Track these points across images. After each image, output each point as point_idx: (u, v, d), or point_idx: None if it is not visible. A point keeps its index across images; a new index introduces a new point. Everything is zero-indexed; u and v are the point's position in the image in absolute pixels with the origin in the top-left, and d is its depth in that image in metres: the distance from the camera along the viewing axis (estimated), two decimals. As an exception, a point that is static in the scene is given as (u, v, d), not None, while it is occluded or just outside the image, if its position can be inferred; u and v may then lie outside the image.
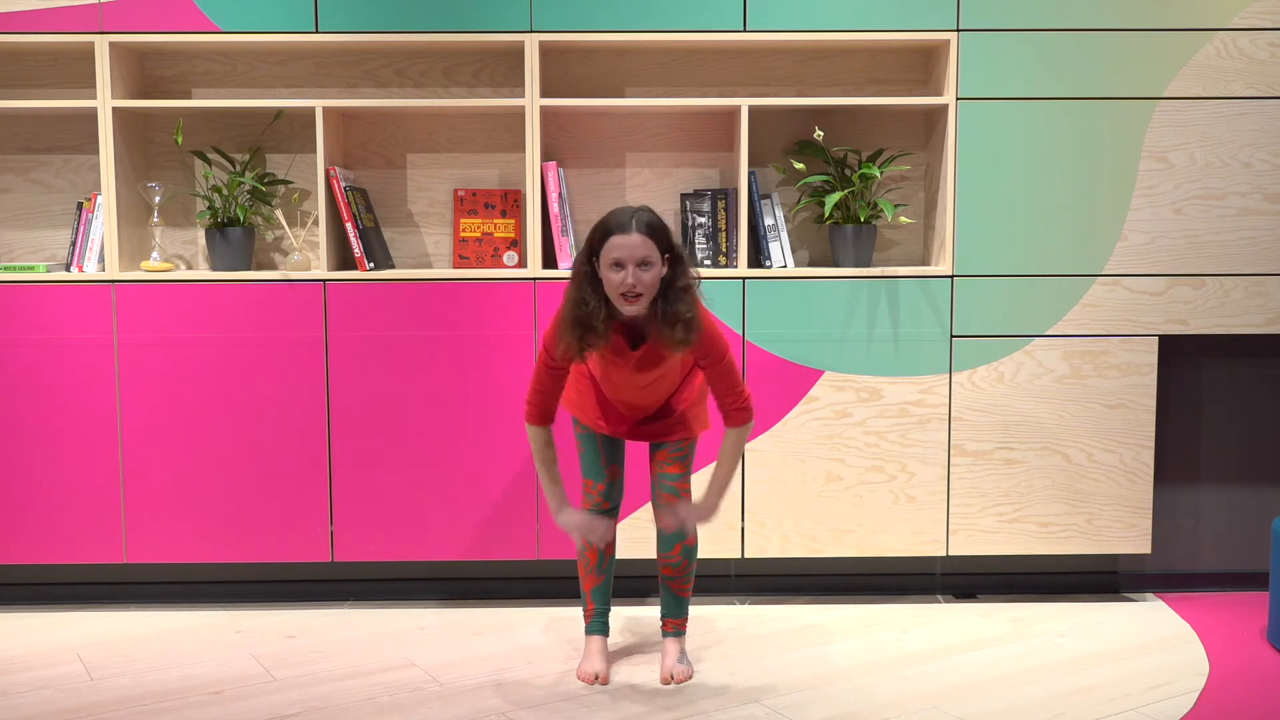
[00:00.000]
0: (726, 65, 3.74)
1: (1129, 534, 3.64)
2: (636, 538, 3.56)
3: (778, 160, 3.76)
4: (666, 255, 2.83)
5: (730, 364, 2.92)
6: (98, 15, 3.46)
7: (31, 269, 3.56)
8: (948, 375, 3.58)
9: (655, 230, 2.82)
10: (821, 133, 3.57)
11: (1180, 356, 3.76)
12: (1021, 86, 3.51)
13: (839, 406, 3.58)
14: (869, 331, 3.56)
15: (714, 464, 2.99)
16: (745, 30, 3.51)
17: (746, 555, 3.62)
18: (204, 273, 3.57)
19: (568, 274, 3.52)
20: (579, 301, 2.83)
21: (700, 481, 3.12)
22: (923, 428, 3.59)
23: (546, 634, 3.38)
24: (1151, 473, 3.62)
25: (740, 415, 2.94)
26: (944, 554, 3.63)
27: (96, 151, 3.71)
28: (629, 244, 2.78)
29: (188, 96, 3.74)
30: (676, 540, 3.08)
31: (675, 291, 2.83)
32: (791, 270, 3.59)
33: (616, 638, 3.35)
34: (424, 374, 3.54)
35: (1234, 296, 3.58)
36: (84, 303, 3.51)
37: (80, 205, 3.61)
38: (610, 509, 3.10)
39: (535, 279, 3.54)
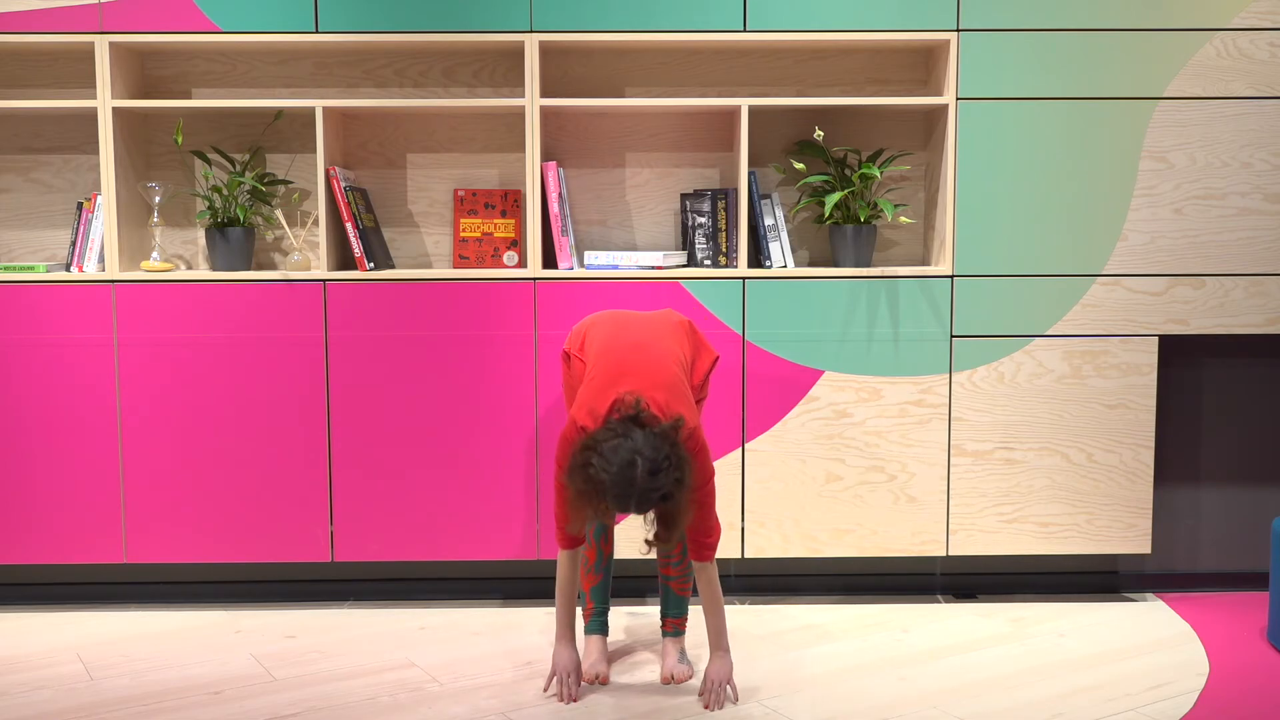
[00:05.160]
0: (726, 65, 3.74)
1: (1129, 534, 3.64)
2: (635, 538, 3.56)
3: (778, 160, 3.77)
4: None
5: (709, 494, 2.89)
6: (98, 15, 3.46)
7: (31, 269, 3.56)
8: (948, 375, 3.58)
9: (653, 506, 2.75)
10: (821, 133, 3.57)
11: (1180, 356, 3.76)
12: (1021, 86, 3.51)
13: (839, 406, 3.58)
14: (869, 331, 3.56)
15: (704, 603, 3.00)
16: (745, 30, 3.51)
17: (746, 555, 3.62)
18: (204, 273, 3.57)
19: (568, 274, 3.54)
20: (584, 512, 2.80)
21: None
22: (923, 428, 3.59)
23: (546, 634, 3.38)
24: (1151, 473, 3.62)
25: (704, 552, 2.93)
26: (944, 554, 3.63)
27: (96, 151, 3.71)
28: (626, 513, 2.80)
29: (188, 96, 3.74)
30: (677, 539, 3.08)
31: (668, 515, 2.78)
32: (791, 270, 3.59)
33: (616, 637, 3.35)
34: (424, 374, 3.55)
35: (1234, 296, 3.58)
36: (84, 303, 3.51)
37: (80, 205, 3.61)
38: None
39: (535, 279, 3.54)
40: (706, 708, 2.93)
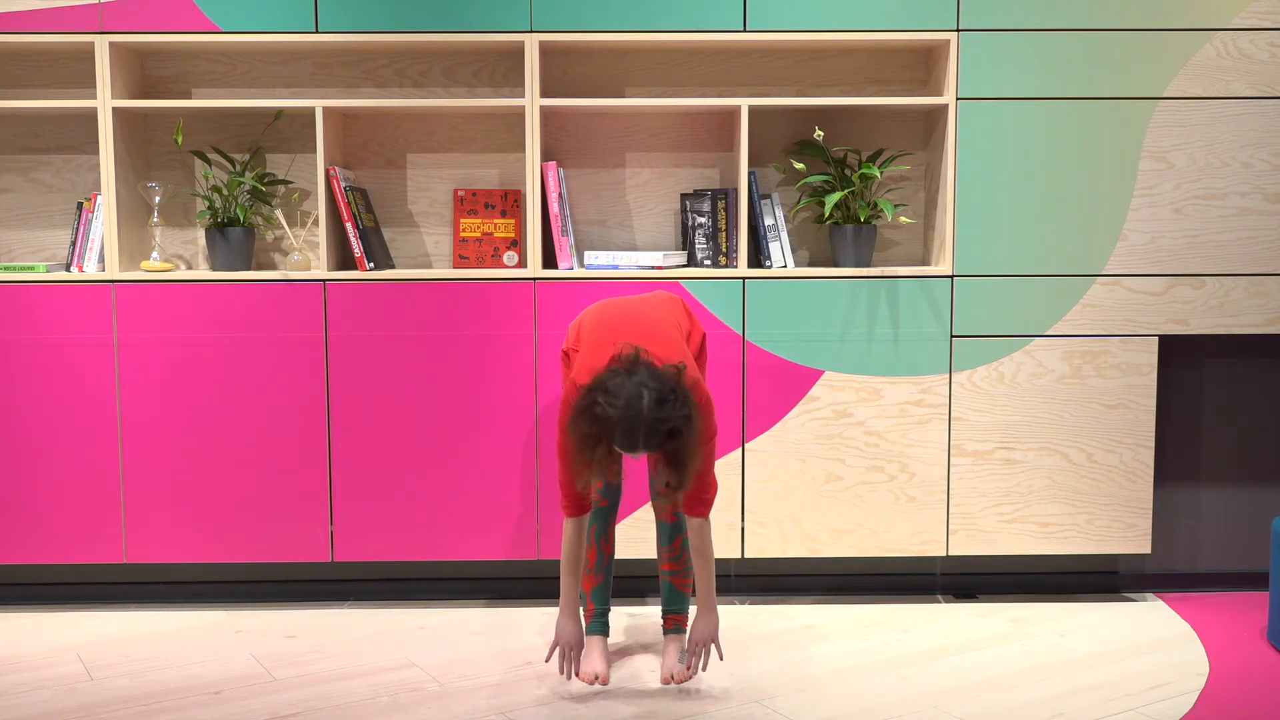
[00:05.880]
0: (726, 65, 3.74)
1: (1129, 534, 3.64)
2: (635, 537, 3.56)
3: (778, 160, 3.77)
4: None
5: (712, 450, 2.89)
6: (98, 15, 3.46)
7: (31, 269, 3.56)
8: (948, 375, 3.58)
9: (661, 443, 2.72)
10: (821, 133, 3.57)
11: (1180, 356, 3.76)
12: (1021, 86, 3.51)
13: (839, 406, 3.58)
14: (869, 331, 3.56)
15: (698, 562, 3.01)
16: (745, 30, 3.51)
17: (746, 555, 3.62)
18: (204, 273, 3.57)
19: (568, 274, 3.54)
20: (590, 461, 2.77)
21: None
22: (923, 428, 3.59)
23: (546, 634, 3.38)
24: (1151, 473, 3.62)
25: (700, 507, 2.92)
26: (944, 554, 3.63)
27: (96, 151, 3.71)
28: (634, 456, 2.77)
29: (188, 96, 3.74)
30: (677, 533, 3.08)
31: (676, 454, 2.76)
32: (791, 270, 3.59)
33: (616, 638, 3.35)
34: (424, 374, 3.55)
35: (1234, 296, 3.58)
36: (84, 303, 3.51)
37: (80, 205, 3.61)
38: (608, 506, 3.10)
39: (535, 279, 3.54)
40: (689, 669, 2.96)
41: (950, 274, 3.56)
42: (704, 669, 2.96)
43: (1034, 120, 3.52)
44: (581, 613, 3.18)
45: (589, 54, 3.73)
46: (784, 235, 3.64)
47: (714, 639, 2.99)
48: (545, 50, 3.59)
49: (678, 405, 2.69)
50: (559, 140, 3.78)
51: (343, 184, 3.54)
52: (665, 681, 3.06)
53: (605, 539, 3.13)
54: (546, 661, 3.02)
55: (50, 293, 3.51)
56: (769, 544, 3.62)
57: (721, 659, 3.02)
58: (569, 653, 2.98)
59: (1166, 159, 3.54)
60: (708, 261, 3.66)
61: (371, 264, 3.56)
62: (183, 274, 3.55)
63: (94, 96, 3.58)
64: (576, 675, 2.98)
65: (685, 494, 2.91)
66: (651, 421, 2.66)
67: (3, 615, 3.63)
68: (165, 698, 2.98)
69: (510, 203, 3.76)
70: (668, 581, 3.15)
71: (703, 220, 3.66)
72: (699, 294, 3.54)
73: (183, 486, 3.56)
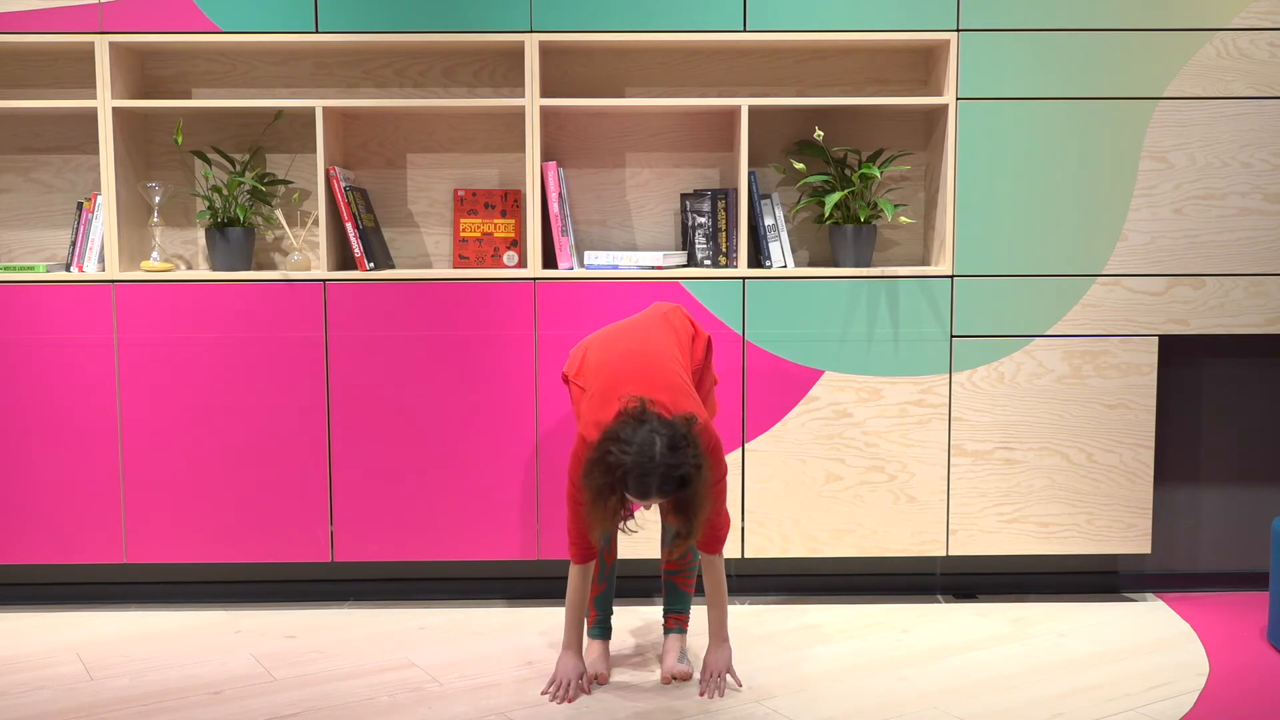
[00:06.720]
0: (726, 65, 3.74)
1: (1129, 534, 3.64)
2: (637, 537, 3.56)
3: (778, 160, 3.77)
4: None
5: (722, 490, 2.92)
6: (98, 15, 3.46)
7: (31, 269, 3.56)
8: (948, 375, 3.58)
9: (675, 489, 2.74)
10: (821, 133, 3.57)
11: (1180, 356, 3.77)
12: (1021, 86, 3.51)
13: (839, 406, 3.58)
14: (869, 331, 3.56)
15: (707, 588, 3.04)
16: (745, 30, 3.51)
17: (746, 555, 3.62)
18: (204, 273, 3.57)
19: (568, 274, 3.54)
20: (605, 515, 2.78)
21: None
22: (923, 428, 3.59)
23: (547, 634, 3.38)
24: (1151, 473, 3.62)
25: (714, 545, 2.95)
26: (944, 554, 3.63)
27: (96, 151, 3.71)
28: (647, 501, 2.77)
29: (188, 96, 3.74)
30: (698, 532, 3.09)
31: (687, 503, 2.78)
32: (791, 270, 3.59)
33: (619, 637, 3.34)
34: (424, 374, 3.55)
35: (1234, 296, 3.58)
36: (84, 303, 3.51)
37: (80, 205, 3.61)
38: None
39: (535, 279, 3.54)
40: (702, 695, 2.96)
41: (950, 274, 3.56)
42: (721, 696, 2.97)
43: (1034, 120, 3.52)
44: (585, 617, 3.18)
45: (589, 54, 3.73)
46: (784, 235, 3.64)
47: (728, 668, 3.02)
48: (545, 50, 3.59)
49: (690, 450, 2.72)
50: (559, 140, 3.78)
51: (343, 184, 3.54)
52: (665, 680, 3.06)
53: (607, 548, 3.13)
54: (543, 694, 2.98)
55: (50, 293, 3.52)
56: (769, 544, 3.62)
57: (740, 686, 3.02)
58: (566, 684, 2.97)
59: (1166, 159, 3.54)
60: (708, 261, 3.66)
61: (371, 264, 3.56)
62: (183, 274, 3.55)
63: (94, 96, 3.58)
64: (568, 700, 2.96)
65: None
66: (665, 467, 2.69)
67: (3, 615, 3.63)
68: (165, 698, 2.98)
69: (510, 203, 3.76)
70: (671, 581, 3.16)
71: (703, 220, 3.66)
72: (699, 294, 3.54)
73: (183, 486, 3.56)
